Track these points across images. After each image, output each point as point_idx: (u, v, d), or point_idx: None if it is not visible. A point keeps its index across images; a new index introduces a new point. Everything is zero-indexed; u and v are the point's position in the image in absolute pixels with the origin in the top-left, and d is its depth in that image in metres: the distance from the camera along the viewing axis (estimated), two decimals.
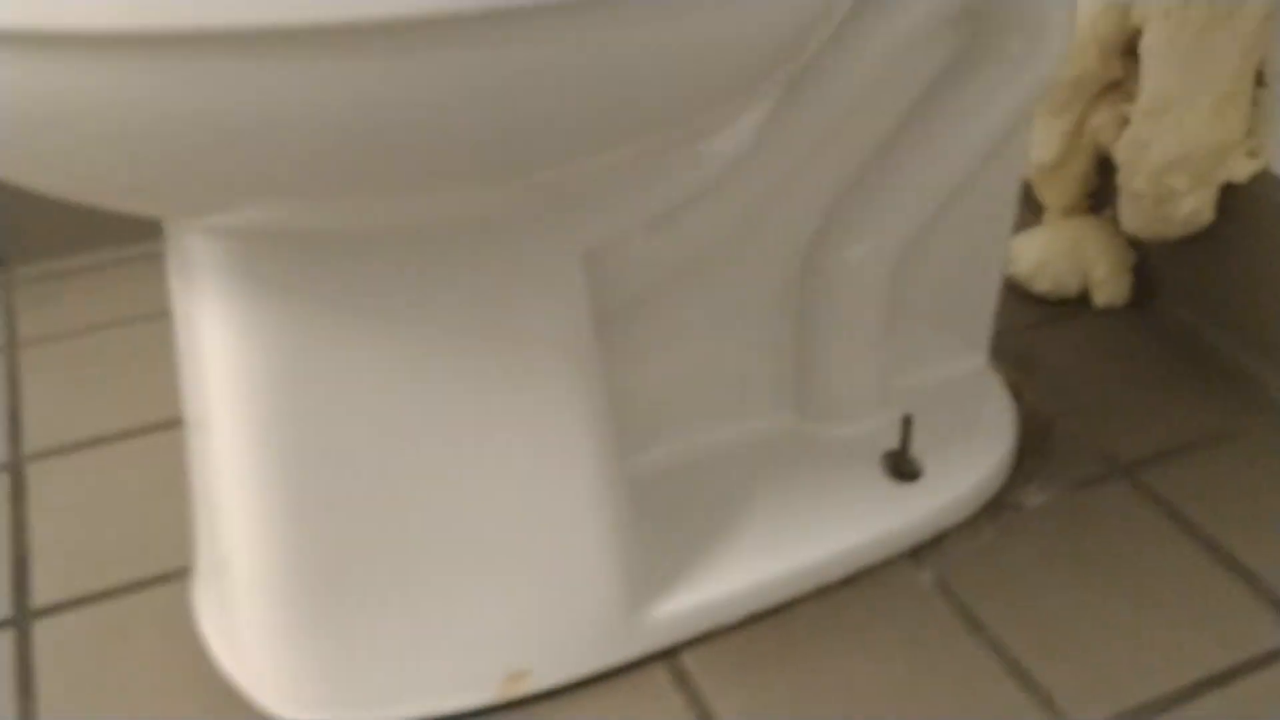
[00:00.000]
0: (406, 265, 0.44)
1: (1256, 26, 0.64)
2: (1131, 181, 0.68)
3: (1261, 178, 0.66)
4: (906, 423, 0.60)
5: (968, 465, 0.61)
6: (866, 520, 0.59)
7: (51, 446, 0.68)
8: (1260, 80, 0.66)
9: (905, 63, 0.55)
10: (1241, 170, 0.66)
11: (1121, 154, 0.69)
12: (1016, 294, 0.77)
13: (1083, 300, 0.76)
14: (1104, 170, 0.74)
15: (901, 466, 0.61)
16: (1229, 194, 0.68)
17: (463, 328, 0.46)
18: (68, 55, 0.30)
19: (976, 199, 0.62)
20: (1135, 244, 0.75)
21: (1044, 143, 0.73)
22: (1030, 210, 0.80)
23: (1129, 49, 0.70)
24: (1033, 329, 0.75)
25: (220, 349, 0.44)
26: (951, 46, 0.55)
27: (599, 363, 0.50)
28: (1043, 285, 0.75)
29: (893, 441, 0.62)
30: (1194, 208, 0.67)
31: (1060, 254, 0.74)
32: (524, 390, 0.48)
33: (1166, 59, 0.66)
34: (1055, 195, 0.75)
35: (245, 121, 0.32)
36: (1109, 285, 0.74)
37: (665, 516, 0.58)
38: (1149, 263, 0.75)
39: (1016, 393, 0.68)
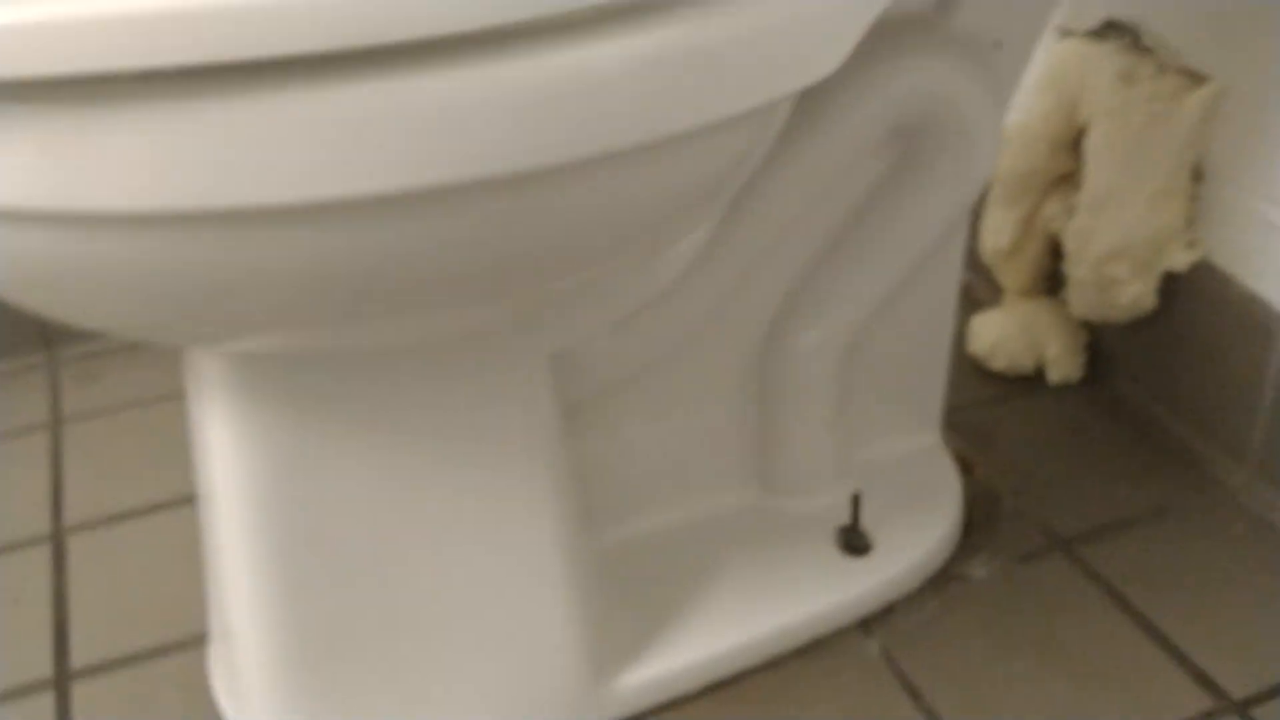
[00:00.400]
0: (387, 373, 0.50)
1: (1192, 127, 0.68)
2: (1076, 269, 0.73)
3: (1200, 267, 0.70)
4: (855, 500, 0.65)
5: (916, 539, 0.66)
6: (819, 593, 0.63)
7: (90, 519, 0.74)
8: (1197, 176, 0.70)
9: (842, 177, 0.60)
10: (1180, 260, 0.70)
11: (1068, 243, 0.73)
12: (975, 371, 0.81)
13: (1039, 377, 0.80)
14: (1058, 255, 0.78)
15: (853, 541, 0.65)
16: (1172, 282, 0.72)
17: (438, 424, 0.51)
18: (90, 231, 0.36)
19: (921, 288, 0.66)
20: (1089, 324, 0.79)
21: (999, 230, 0.77)
22: (992, 290, 0.84)
23: (1077, 144, 0.74)
24: (989, 405, 0.79)
25: (223, 446, 0.51)
26: (885, 162, 0.60)
27: (563, 452, 0.56)
28: (999, 363, 0.79)
29: (847, 516, 0.67)
30: (1136, 295, 0.71)
31: (1014, 333, 0.78)
32: (494, 480, 0.54)
33: (1108, 155, 0.71)
34: (1012, 278, 0.79)
35: (243, 280, 0.38)
36: (1061, 363, 0.78)
37: (631, 589, 0.63)
38: (1103, 342, 0.79)
39: (969, 467, 0.73)
